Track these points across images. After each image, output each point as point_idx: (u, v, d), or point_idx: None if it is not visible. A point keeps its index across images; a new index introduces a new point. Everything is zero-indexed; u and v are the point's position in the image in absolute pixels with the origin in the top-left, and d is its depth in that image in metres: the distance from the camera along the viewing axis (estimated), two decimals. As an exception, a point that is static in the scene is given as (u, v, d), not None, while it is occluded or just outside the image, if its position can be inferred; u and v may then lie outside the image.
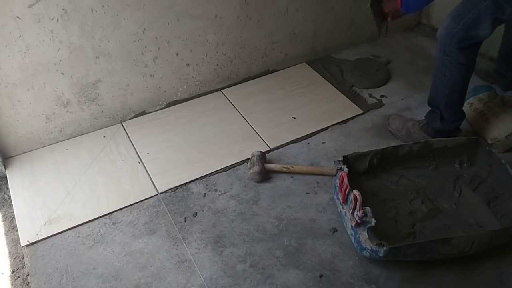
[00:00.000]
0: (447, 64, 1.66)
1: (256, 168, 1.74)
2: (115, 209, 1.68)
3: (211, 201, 1.71)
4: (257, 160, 1.77)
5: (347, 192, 1.52)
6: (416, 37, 2.62)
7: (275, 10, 2.14)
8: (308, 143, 1.95)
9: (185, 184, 1.77)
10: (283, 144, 1.94)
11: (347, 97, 2.17)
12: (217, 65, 2.16)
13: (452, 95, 1.74)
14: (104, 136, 1.99)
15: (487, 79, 2.17)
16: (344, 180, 1.52)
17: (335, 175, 1.65)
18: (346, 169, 1.58)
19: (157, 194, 1.74)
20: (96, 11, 1.72)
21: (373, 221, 1.42)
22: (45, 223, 1.63)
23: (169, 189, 1.75)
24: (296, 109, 2.10)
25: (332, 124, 2.03)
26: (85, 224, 1.63)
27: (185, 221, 1.64)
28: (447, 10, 1.75)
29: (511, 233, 1.46)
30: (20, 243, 1.59)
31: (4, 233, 1.65)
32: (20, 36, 1.64)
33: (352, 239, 1.51)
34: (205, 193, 1.74)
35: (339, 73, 2.33)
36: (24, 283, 1.48)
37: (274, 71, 2.35)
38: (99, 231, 1.61)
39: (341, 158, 1.64)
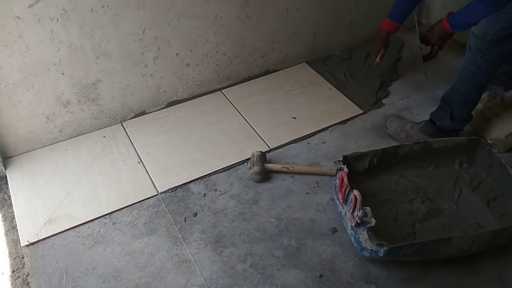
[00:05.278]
0: (480, 62, 1.63)
1: (256, 168, 1.74)
2: (115, 209, 1.68)
3: (211, 201, 1.71)
4: (257, 160, 1.77)
5: (347, 192, 1.52)
6: (416, 37, 2.61)
7: (275, 10, 2.14)
8: (308, 143, 1.95)
9: (185, 184, 1.77)
10: (283, 144, 1.93)
11: (347, 97, 2.17)
12: (217, 65, 2.16)
13: (473, 94, 1.74)
14: (104, 136, 1.99)
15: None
16: (344, 180, 1.52)
17: (335, 175, 1.65)
18: (346, 169, 1.58)
19: (157, 194, 1.74)
20: (96, 11, 1.72)
21: (373, 221, 1.42)
22: (45, 223, 1.63)
23: (169, 189, 1.75)
24: (296, 109, 2.10)
25: (332, 124, 2.03)
26: (85, 224, 1.63)
27: (185, 221, 1.64)
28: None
29: (511, 233, 1.46)
30: (20, 243, 1.59)
31: (4, 233, 1.65)
32: (20, 36, 1.63)
33: (352, 239, 1.51)
34: (205, 193, 1.74)
35: (339, 73, 2.33)
36: (24, 283, 1.48)
37: (274, 71, 2.35)
38: (99, 231, 1.61)
39: (341, 158, 1.64)
